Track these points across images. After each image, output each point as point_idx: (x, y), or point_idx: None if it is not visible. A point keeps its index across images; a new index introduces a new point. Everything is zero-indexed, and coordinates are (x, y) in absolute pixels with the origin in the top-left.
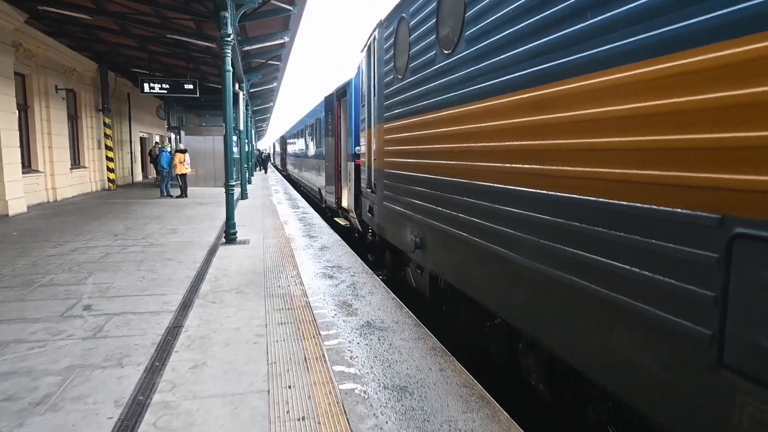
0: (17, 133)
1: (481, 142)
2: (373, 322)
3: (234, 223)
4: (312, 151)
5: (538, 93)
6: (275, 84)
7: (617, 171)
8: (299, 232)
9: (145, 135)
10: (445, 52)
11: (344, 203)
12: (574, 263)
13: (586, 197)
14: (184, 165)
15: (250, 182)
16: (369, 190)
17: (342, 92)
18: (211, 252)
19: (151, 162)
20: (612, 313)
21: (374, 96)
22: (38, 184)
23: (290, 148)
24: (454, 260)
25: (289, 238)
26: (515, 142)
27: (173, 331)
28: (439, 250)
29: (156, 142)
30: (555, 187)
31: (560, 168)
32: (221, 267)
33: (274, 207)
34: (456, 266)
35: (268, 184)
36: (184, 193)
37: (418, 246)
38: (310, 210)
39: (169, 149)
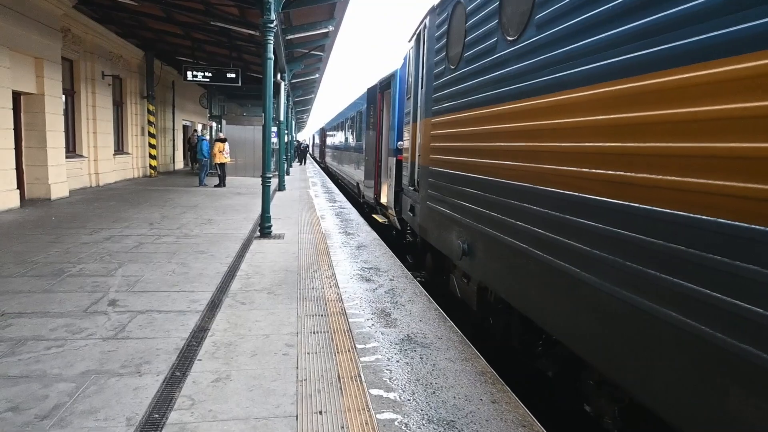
0: (62, 117)
1: (550, 142)
2: (414, 336)
3: (269, 217)
4: (352, 144)
5: (629, 86)
6: (317, 75)
7: (752, 186)
8: (336, 228)
9: (188, 123)
10: (509, 39)
11: (383, 200)
12: (673, 295)
13: (699, 216)
14: (223, 154)
15: (288, 173)
16: (411, 188)
17: (386, 84)
18: (245, 246)
19: (189, 150)
20: (725, 364)
21: (422, 88)
22: (81, 169)
23: (329, 140)
24: (510, 274)
25: (325, 234)
26: (600, 143)
27: (198, 334)
28: (491, 261)
29: (195, 130)
30: (646, 200)
31: (654, 177)
32: (254, 263)
33: (311, 200)
34: (512, 281)
35: (306, 176)
36: (222, 183)
37: (466, 253)
38: (348, 205)
39: (207, 138)
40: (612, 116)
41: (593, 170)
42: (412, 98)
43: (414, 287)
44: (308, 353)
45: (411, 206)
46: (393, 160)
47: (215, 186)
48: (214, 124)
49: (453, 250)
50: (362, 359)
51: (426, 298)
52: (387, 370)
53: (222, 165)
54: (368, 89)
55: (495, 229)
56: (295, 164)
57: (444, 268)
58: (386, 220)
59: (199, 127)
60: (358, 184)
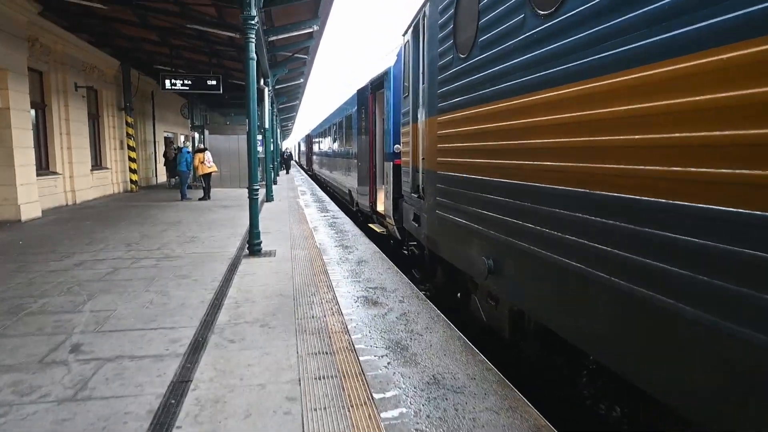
0: (31, 132)
1: (620, 134)
2: (441, 378)
3: (258, 233)
4: (341, 149)
5: (725, 56)
6: (302, 80)
7: None
8: (331, 241)
9: (170, 135)
10: (542, 13)
11: (380, 208)
12: None
13: None
14: (205, 164)
15: (275, 183)
16: (415, 195)
17: (378, 84)
18: (233, 266)
19: (165, 164)
20: None
21: (423, 84)
22: (56, 187)
23: (317, 147)
24: (557, 298)
25: (320, 249)
26: (703, 132)
27: (178, 388)
28: (529, 281)
29: (170, 142)
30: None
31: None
32: (243, 287)
33: (302, 210)
34: (560, 306)
35: (294, 185)
36: (207, 195)
37: (492, 271)
38: (341, 214)
39: (189, 148)
40: (705, 97)
41: (692, 168)
42: (410, 96)
43: (429, 311)
44: (315, 409)
45: (415, 215)
46: (390, 165)
47: (199, 199)
48: (196, 135)
49: (475, 266)
50: (383, 416)
51: (445, 324)
52: (416, 431)
53: (206, 176)
54: (358, 90)
55: (533, 243)
56: (281, 173)
57: (459, 285)
58: (384, 230)
59: (182, 139)
60: (350, 191)
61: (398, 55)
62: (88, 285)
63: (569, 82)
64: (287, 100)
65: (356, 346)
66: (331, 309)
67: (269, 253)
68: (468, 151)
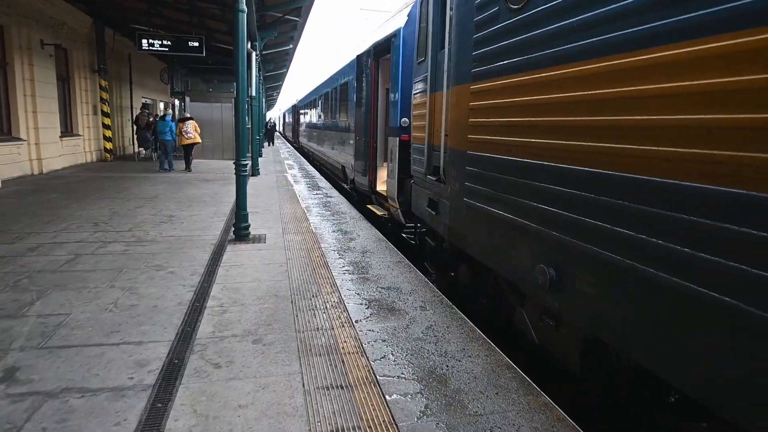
0: None
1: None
2: None
3: (246, 215)
4: (334, 122)
5: None
6: (291, 45)
7: None
8: (328, 225)
9: (149, 101)
10: None
11: (380, 188)
12: None
13: None
14: (183, 135)
15: (261, 155)
16: (432, 178)
17: (383, 48)
18: (217, 255)
19: (136, 133)
20: None
21: (448, 47)
22: (19, 155)
23: (305, 118)
24: (672, 338)
25: (316, 235)
26: None
27: None
28: (619, 305)
29: (144, 108)
30: None
31: None
32: (230, 285)
33: (292, 187)
34: (676, 351)
35: (280, 158)
36: (188, 167)
37: (555, 283)
38: (334, 192)
39: (171, 115)
40: None
41: None
42: (428, 62)
43: (460, 323)
44: None
45: (431, 201)
46: (395, 141)
47: (183, 170)
48: (176, 102)
49: (525, 274)
50: None
51: (486, 345)
52: None
53: (187, 147)
54: (358, 56)
55: (642, 257)
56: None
57: (492, 289)
58: (386, 212)
59: (161, 106)
60: (343, 167)
61: (410, 15)
62: (40, 278)
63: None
64: (274, 68)
65: (378, 377)
66: (339, 317)
67: (259, 239)
68: (520, 128)
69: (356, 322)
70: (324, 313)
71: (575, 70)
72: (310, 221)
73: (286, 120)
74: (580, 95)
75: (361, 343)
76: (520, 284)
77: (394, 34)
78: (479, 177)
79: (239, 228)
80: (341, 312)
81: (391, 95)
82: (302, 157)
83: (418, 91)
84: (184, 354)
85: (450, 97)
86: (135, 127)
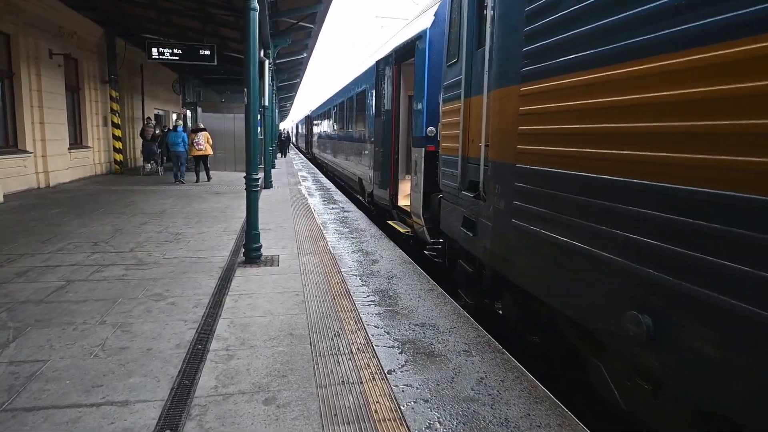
0: None
1: None
2: None
3: (258, 234)
4: (350, 132)
5: None
6: (305, 54)
7: None
8: (346, 244)
9: (161, 112)
10: None
11: (402, 202)
12: None
13: None
14: (194, 146)
15: (273, 166)
16: (468, 194)
17: (406, 52)
18: (224, 281)
19: (142, 146)
20: None
21: (490, 44)
22: (25, 167)
23: (318, 129)
24: None
25: (334, 256)
26: None
27: None
28: (750, 368)
29: (148, 120)
30: None
31: None
32: (238, 320)
33: (306, 200)
34: None
35: (293, 169)
36: (198, 178)
37: (653, 336)
38: (351, 207)
39: (181, 125)
40: None
41: None
42: (461, 63)
43: (516, 374)
44: None
45: (466, 220)
46: (420, 152)
47: (196, 182)
48: (188, 113)
49: (606, 319)
50: None
51: (556, 407)
52: None
53: (198, 159)
54: (377, 62)
55: None
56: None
57: (551, 328)
58: (409, 230)
59: (173, 117)
60: (360, 180)
61: (437, 14)
62: (22, 311)
63: None
64: (287, 78)
65: None
66: (368, 365)
67: (271, 261)
68: (599, 137)
69: (389, 373)
70: (349, 359)
71: (685, 60)
72: (327, 239)
73: (299, 131)
74: (695, 92)
75: (398, 405)
76: (598, 332)
77: (419, 36)
78: (534, 195)
79: (250, 249)
80: (370, 358)
81: (416, 102)
82: (316, 168)
83: (448, 96)
84: (178, 421)
85: (491, 102)
86: (142, 140)
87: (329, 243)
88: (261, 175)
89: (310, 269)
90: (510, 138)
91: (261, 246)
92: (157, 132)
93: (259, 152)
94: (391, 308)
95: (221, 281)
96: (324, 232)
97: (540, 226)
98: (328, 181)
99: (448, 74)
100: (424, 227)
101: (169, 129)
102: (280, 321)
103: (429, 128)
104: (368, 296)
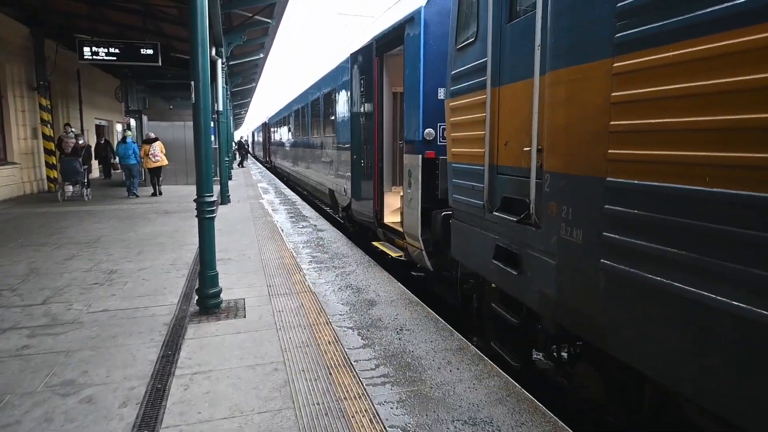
0: None
1: None
2: None
3: (215, 276)
4: (319, 137)
5: None
6: (261, 55)
7: None
8: (329, 277)
9: (103, 122)
10: None
11: (389, 219)
12: None
13: None
14: (150, 158)
15: (230, 178)
16: (507, 217)
17: (391, 40)
18: (170, 349)
19: (59, 162)
20: None
21: (542, 6)
22: None
23: (279, 136)
24: None
25: (317, 296)
26: None
27: None
28: None
29: (67, 125)
30: None
31: None
32: (189, 428)
33: (270, 217)
34: None
35: (253, 181)
36: (156, 192)
37: None
38: (324, 223)
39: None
40: None
41: None
42: (486, 42)
43: None
44: None
45: (502, 250)
46: (416, 160)
47: (151, 195)
48: (132, 122)
49: None
50: None
51: None
52: None
53: (153, 171)
54: (352, 55)
55: None
56: (235, 166)
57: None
58: (401, 253)
59: (119, 128)
60: (332, 192)
61: None
62: None
63: None
64: (242, 83)
65: None
66: None
67: (234, 309)
68: None
69: None
70: None
71: None
72: (304, 271)
73: (256, 139)
74: None
75: None
76: None
77: (410, 19)
78: (647, 226)
79: (206, 296)
80: None
81: (407, 100)
82: (276, 178)
83: (461, 88)
84: None
85: (549, 89)
86: (59, 153)
87: (307, 277)
88: (216, 193)
89: (288, 320)
90: (592, 139)
91: (220, 290)
92: (80, 143)
93: (214, 163)
94: (415, 389)
95: (166, 349)
96: (298, 260)
97: (666, 276)
98: (292, 193)
99: (460, 60)
100: (423, 251)
101: (107, 140)
102: (255, 423)
103: (426, 130)
104: (377, 366)
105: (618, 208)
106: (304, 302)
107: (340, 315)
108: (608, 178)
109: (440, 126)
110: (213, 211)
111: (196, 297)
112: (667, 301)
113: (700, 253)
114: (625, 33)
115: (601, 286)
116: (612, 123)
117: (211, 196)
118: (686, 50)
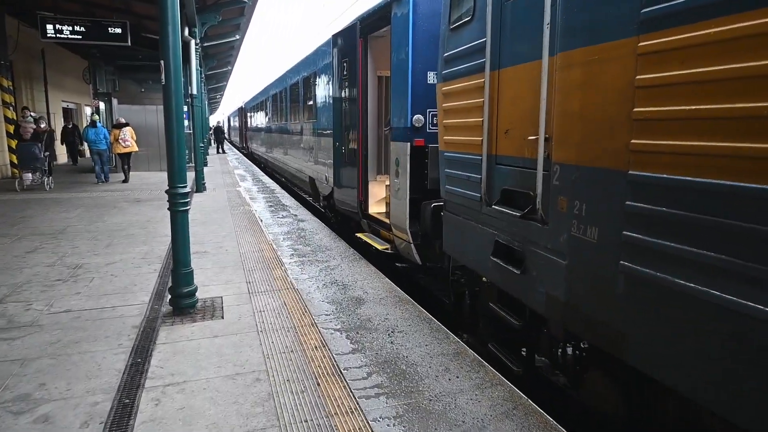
0: None
1: None
2: None
3: (189, 273)
4: (298, 123)
5: None
6: (237, 37)
7: None
8: (313, 272)
9: (71, 105)
10: None
11: (374, 209)
12: None
13: None
14: (120, 143)
15: (206, 164)
16: (509, 211)
17: (377, 20)
18: (140, 356)
19: (17, 148)
20: None
21: None
22: None
23: (256, 121)
24: None
25: (300, 294)
26: None
27: None
28: None
29: (25, 108)
30: None
31: None
32: None
33: (248, 206)
34: None
35: (229, 168)
36: (126, 177)
37: None
38: (305, 213)
39: (98, 121)
40: None
41: None
42: (485, 20)
43: None
44: None
45: (502, 247)
46: (403, 147)
47: (122, 182)
48: (101, 105)
49: None
50: None
51: None
52: None
53: (123, 156)
54: (335, 36)
55: None
56: (212, 152)
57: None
58: (388, 246)
59: (87, 111)
60: (312, 180)
61: None
62: None
63: None
64: (217, 65)
65: None
66: None
67: (212, 309)
68: None
69: None
70: None
71: None
72: (285, 266)
73: (232, 124)
74: None
75: None
76: None
77: None
78: (679, 225)
79: (180, 296)
80: None
81: (394, 84)
82: (253, 164)
83: (456, 71)
84: None
85: (560, 71)
86: (19, 138)
87: (289, 272)
88: (190, 183)
89: (271, 321)
90: (611, 127)
91: (195, 289)
92: (42, 127)
93: (188, 149)
94: (413, 401)
95: (135, 356)
96: (279, 253)
97: (696, 280)
98: (270, 180)
99: (454, 41)
100: (412, 244)
101: (74, 124)
102: None
103: (415, 116)
104: (369, 375)
105: (642, 204)
106: (287, 301)
107: (326, 315)
108: (631, 171)
109: (430, 112)
110: (186, 204)
111: (169, 296)
112: (700, 309)
113: (738, 256)
114: (653, 8)
115: (619, 290)
116: (636, 110)
117: (185, 186)
118: (726, 27)
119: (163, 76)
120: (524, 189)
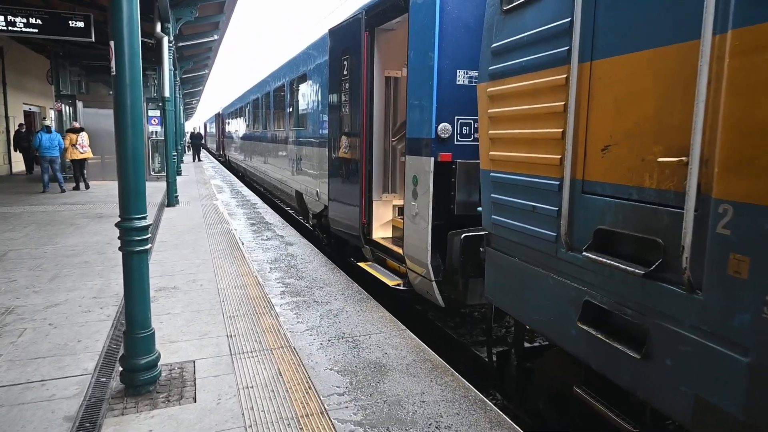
0: None
1: None
2: None
3: (149, 337)
4: (284, 130)
5: None
6: (215, 36)
7: None
8: (312, 320)
9: (34, 108)
10: None
11: (379, 234)
12: None
13: None
14: (77, 148)
15: (179, 173)
16: (598, 257)
17: (386, 9)
18: None
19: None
20: None
21: None
22: None
23: (236, 128)
24: None
25: (300, 360)
26: None
27: None
28: None
29: None
30: None
31: None
32: None
33: (228, 226)
34: None
35: (206, 177)
36: (77, 185)
37: None
38: (293, 234)
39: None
40: None
41: None
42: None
43: None
44: None
45: (598, 312)
46: (427, 163)
47: (73, 188)
48: (65, 108)
49: None
50: None
51: None
52: None
53: (80, 163)
54: (331, 31)
55: None
56: (187, 160)
57: None
58: (400, 281)
59: (53, 114)
60: (300, 195)
61: None
62: None
63: None
64: (193, 68)
65: None
66: None
67: (179, 385)
68: None
69: None
70: None
71: None
72: (277, 311)
73: (208, 130)
74: None
75: None
76: None
77: None
78: None
79: (134, 369)
80: None
81: (412, 85)
82: (231, 174)
83: (516, 65)
84: None
85: (735, 58)
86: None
87: (282, 321)
88: (161, 195)
89: (262, 406)
90: None
91: (157, 357)
92: None
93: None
94: None
95: None
96: (266, 290)
97: None
98: (250, 192)
99: (510, 26)
100: (433, 282)
101: (27, 129)
102: None
103: (441, 125)
104: None
105: None
106: (283, 367)
107: (339, 395)
108: None
109: (458, 120)
110: (145, 242)
111: (121, 369)
112: None
113: None
114: None
115: None
116: None
117: (144, 218)
118: None
119: (113, 63)
120: (646, 233)
